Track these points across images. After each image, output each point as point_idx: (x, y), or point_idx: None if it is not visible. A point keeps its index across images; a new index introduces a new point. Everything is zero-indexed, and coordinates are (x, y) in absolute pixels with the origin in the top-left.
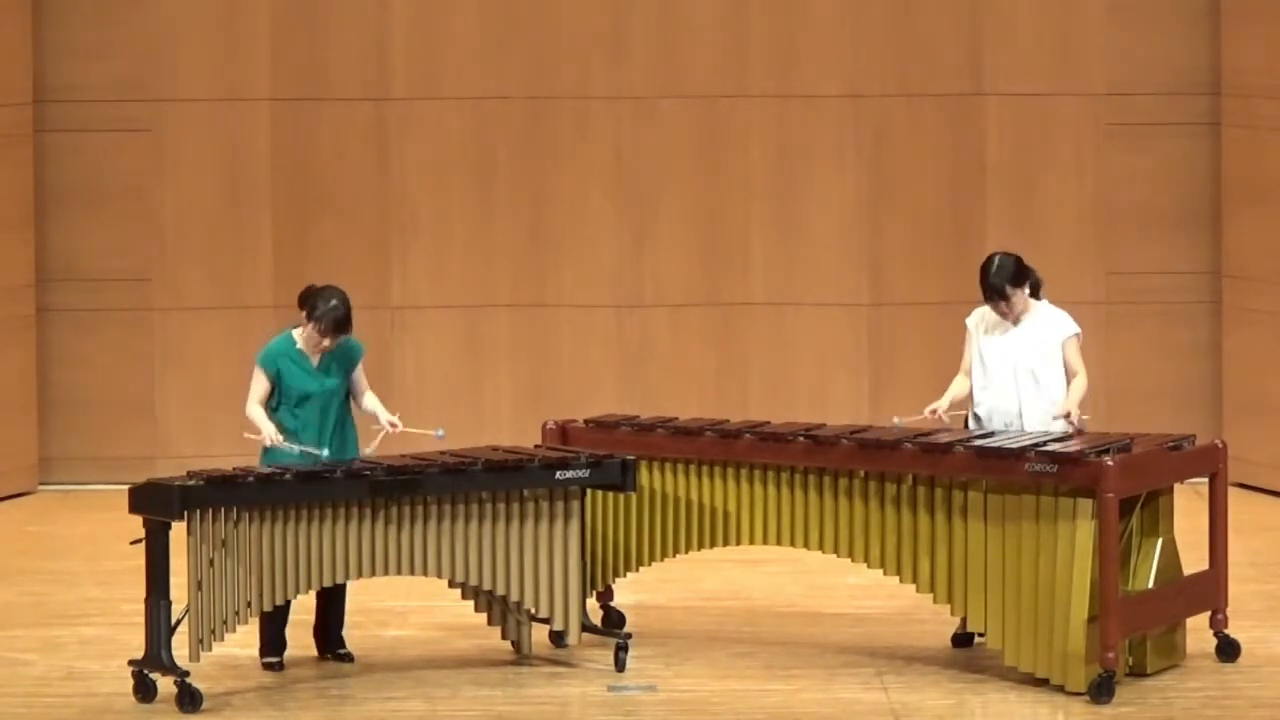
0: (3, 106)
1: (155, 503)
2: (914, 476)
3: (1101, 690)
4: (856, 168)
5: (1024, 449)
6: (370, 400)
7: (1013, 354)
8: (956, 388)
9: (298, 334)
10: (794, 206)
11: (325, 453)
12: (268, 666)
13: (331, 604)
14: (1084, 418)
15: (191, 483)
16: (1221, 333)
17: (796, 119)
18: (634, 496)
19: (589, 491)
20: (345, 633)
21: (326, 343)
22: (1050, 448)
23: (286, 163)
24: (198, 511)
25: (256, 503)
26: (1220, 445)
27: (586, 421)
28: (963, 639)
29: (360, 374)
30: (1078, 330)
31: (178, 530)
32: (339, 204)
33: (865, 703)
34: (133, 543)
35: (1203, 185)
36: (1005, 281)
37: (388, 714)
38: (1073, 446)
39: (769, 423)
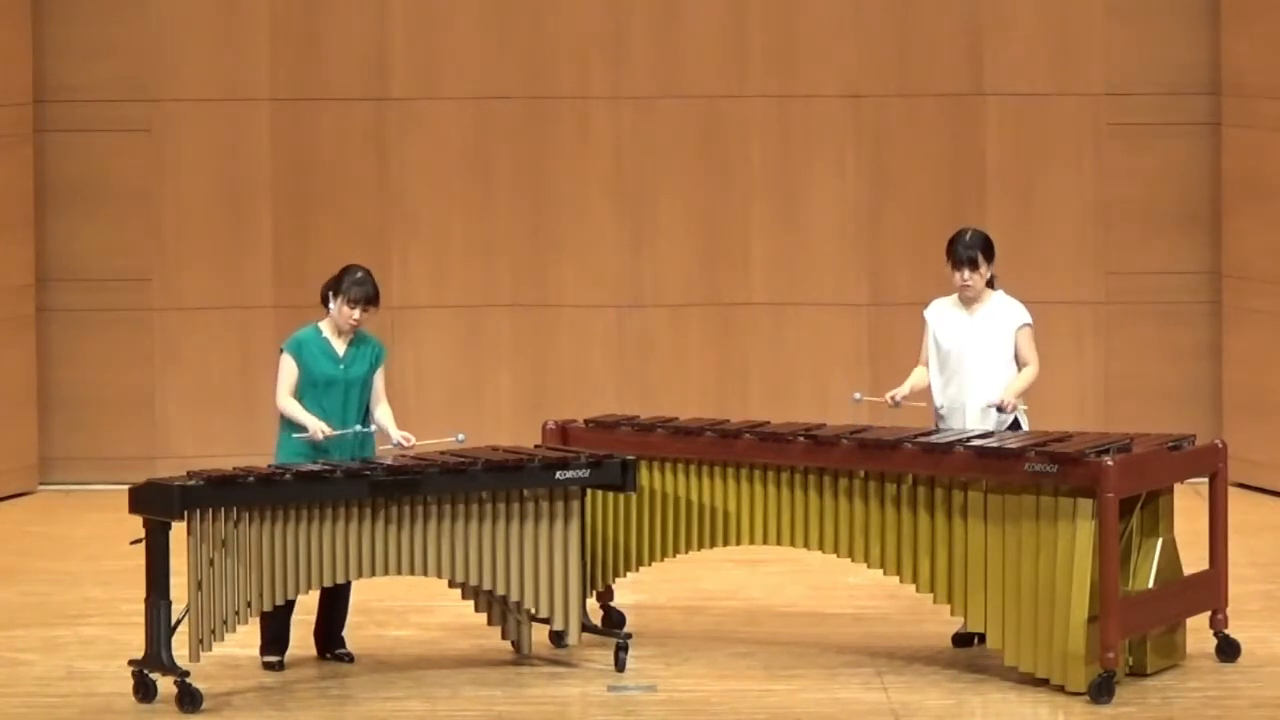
0: (3, 106)
1: (155, 503)
2: (914, 476)
3: (1101, 690)
4: (856, 168)
5: (1024, 449)
6: (383, 413)
7: (967, 343)
8: (916, 377)
9: (324, 324)
10: (794, 206)
11: (363, 427)
12: (268, 665)
13: (335, 604)
14: (1022, 407)
15: (191, 483)
16: (1221, 333)
17: (796, 119)
18: (634, 496)
19: (589, 491)
20: (345, 633)
21: (356, 314)
22: (1050, 448)
23: (286, 163)
24: (198, 511)
25: (256, 503)
26: (1220, 445)
27: (586, 421)
28: (964, 639)
29: (380, 378)
30: (1030, 321)
31: (178, 530)
32: (339, 204)
33: (865, 703)
34: (133, 543)
35: (1203, 185)
36: (978, 250)
37: (388, 714)
38: (1073, 446)
39: (769, 423)
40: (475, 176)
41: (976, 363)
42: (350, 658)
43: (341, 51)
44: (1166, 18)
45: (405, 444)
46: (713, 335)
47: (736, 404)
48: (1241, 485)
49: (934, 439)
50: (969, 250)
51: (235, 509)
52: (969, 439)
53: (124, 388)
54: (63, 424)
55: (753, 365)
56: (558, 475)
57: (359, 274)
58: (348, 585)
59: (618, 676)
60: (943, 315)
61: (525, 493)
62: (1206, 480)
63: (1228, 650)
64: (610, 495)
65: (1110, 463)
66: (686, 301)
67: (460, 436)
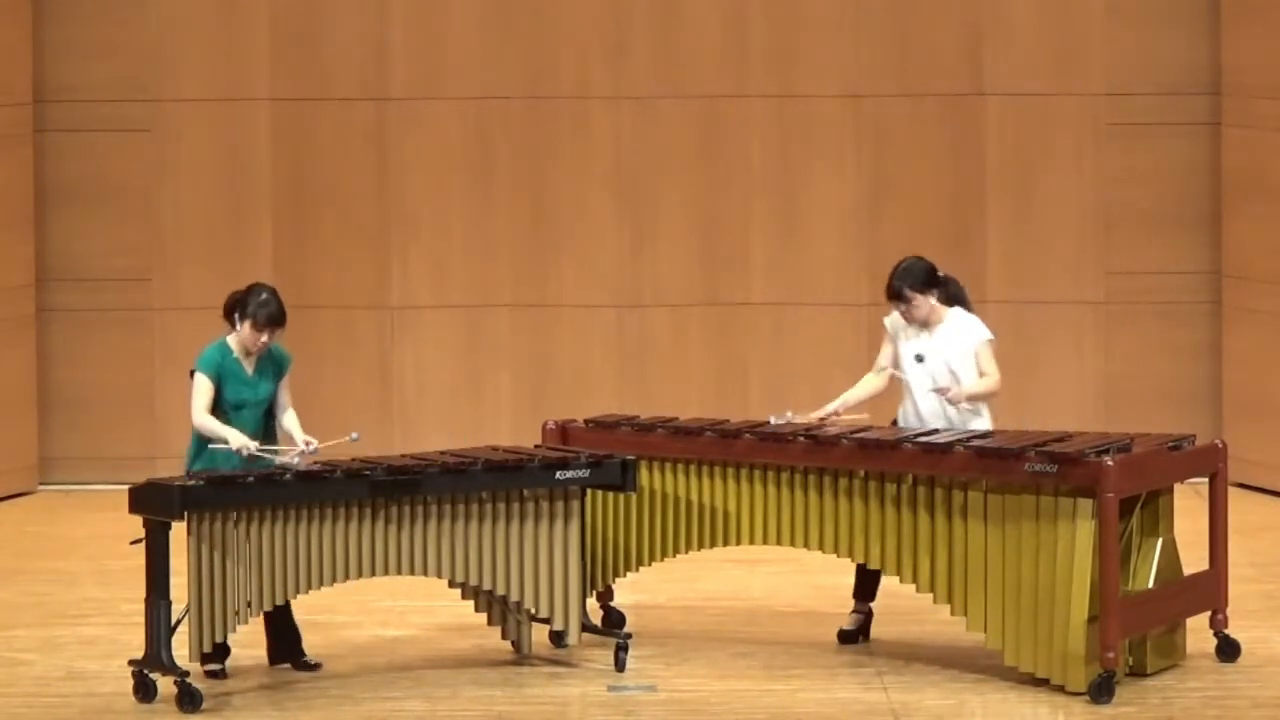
0: (3, 106)
1: (155, 503)
2: (914, 476)
3: (1101, 690)
4: (856, 168)
5: (1024, 449)
6: (289, 419)
7: (925, 361)
8: (862, 388)
9: (232, 341)
10: (794, 206)
11: (267, 446)
12: (210, 674)
13: (281, 629)
14: (965, 407)
15: (191, 483)
16: (1221, 333)
17: (796, 119)
18: (634, 496)
19: (589, 491)
20: (345, 633)
21: (264, 338)
22: (1050, 448)
23: (286, 163)
24: (198, 511)
25: (256, 503)
26: (1220, 445)
27: (586, 421)
28: (849, 635)
29: (285, 386)
30: (990, 336)
31: (178, 530)
32: (339, 204)
33: (865, 703)
34: (133, 543)
35: (1203, 185)
36: (905, 284)
37: (388, 714)
38: (1073, 446)
39: (769, 423)
40: (475, 176)
41: (937, 383)
42: (318, 665)
43: (341, 51)
44: (1166, 18)
45: (308, 448)
46: (713, 335)
47: (736, 404)
48: (1241, 485)
49: (934, 439)
50: (897, 282)
51: (235, 509)
52: (969, 439)
53: (124, 388)
54: (63, 424)
55: (753, 365)
56: (558, 475)
57: (263, 295)
58: (286, 607)
59: (618, 676)
60: (905, 331)
61: (525, 493)
62: (1206, 480)
63: (1228, 650)
64: (610, 495)
65: (1110, 463)
66: (686, 301)
67: (354, 435)
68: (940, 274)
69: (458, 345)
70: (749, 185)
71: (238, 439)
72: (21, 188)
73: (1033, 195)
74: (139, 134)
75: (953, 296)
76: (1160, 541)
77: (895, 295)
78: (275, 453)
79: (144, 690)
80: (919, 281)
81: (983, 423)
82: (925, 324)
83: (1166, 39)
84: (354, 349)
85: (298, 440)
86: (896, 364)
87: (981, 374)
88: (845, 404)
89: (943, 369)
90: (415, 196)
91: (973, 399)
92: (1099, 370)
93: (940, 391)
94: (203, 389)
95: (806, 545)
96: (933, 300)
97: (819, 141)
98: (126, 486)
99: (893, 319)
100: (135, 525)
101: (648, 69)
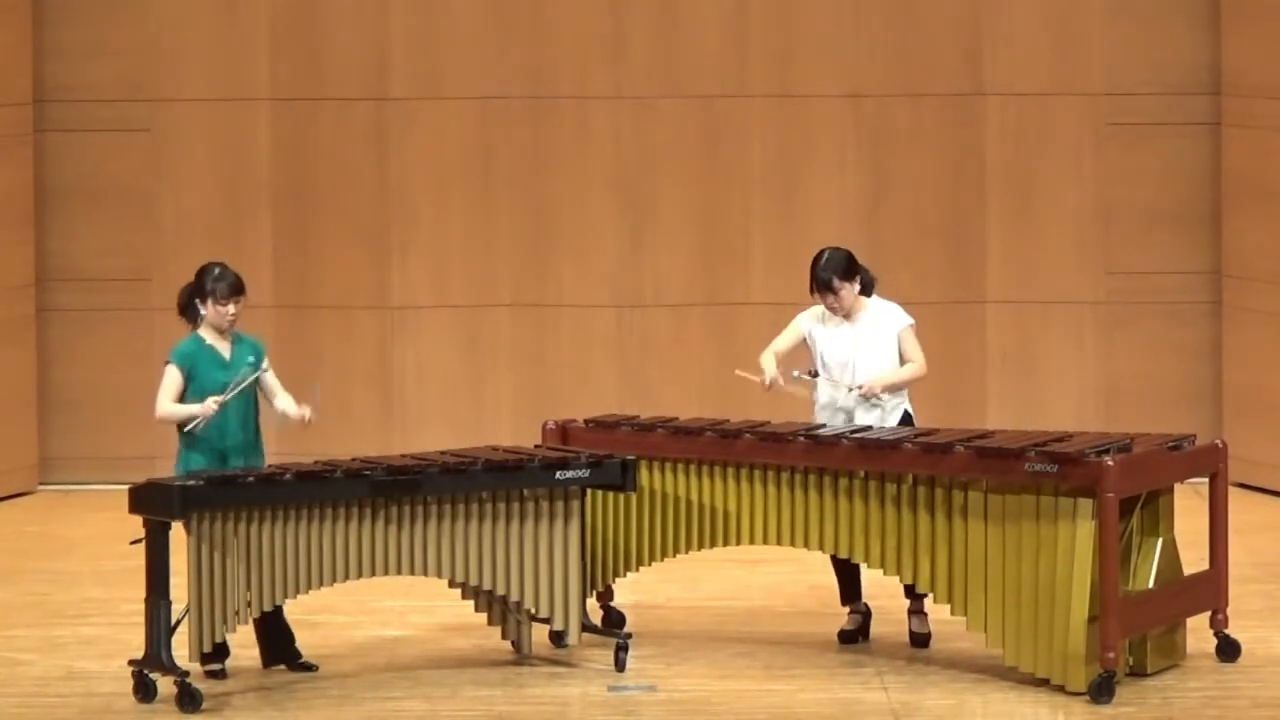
0: (3, 106)
1: (155, 503)
2: (914, 476)
3: (1101, 690)
4: (856, 168)
5: (1024, 449)
6: (282, 400)
7: (848, 351)
8: (774, 353)
9: (203, 332)
10: (794, 206)
11: (254, 363)
12: (210, 674)
13: (273, 632)
14: (894, 402)
15: (191, 483)
16: (1221, 333)
17: (796, 119)
18: (634, 496)
19: (589, 491)
20: (345, 633)
21: (231, 309)
22: (1050, 448)
23: (286, 163)
24: (198, 511)
25: (256, 503)
26: (1220, 445)
27: (586, 421)
28: (850, 635)
29: (270, 374)
30: (911, 321)
31: (178, 530)
32: (339, 204)
33: (865, 703)
34: (133, 543)
35: (1203, 185)
36: (833, 274)
37: (388, 714)
38: (1073, 446)
39: (769, 423)
40: (475, 176)
41: (864, 370)
42: (314, 666)
43: (341, 51)
44: (1166, 18)
45: (305, 422)
46: (713, 335)
47: (736, 404)
48: (1241, 485)
49: (934, 439)
50: (824, 273)
51: (235, 509)
52: (969, 439)
53: (124, 388)
54: (63, 424)
55: (753, 365)
56: (558, 475)
57: (216, 270)
58: (277, 609)
59: (618, 676)
60: (825, 326)
61: (525, 493)
62: (1206, 480)
63: (1228, 650)
64: (610, 495)
65: (1110, 463)
66: (686, 301)
67: (315, 388)
68: (858, 262)
69: (458, 345)
70: (749, 185)
71: (200, 406)
72: (21, 188)
73: (1033, 195)
74: (139, 134)
75: (867, 285)
76: (1160, 541)
77: (825, 286)
78: (239, 384)
79: (144, 690)
80: (844, 271)
81: (903, 404)
82: (848, 315)
83: (1166, 39)
84: (354, 349)
85: (293, 415)
86: (811, 366)
87: (908, 360)
88: (776, 355)
89: (863, 367)
90: (415, 196)
91: (893, 388)
92: (1099, 370)
93: (859, 390)
94: (170, 380)
95: (806, 545)
96: (855, 289)
97: (819, 141)
98: (126, 486)
99: (811, 320)
100: (135, 525)
101: (648, 69)
